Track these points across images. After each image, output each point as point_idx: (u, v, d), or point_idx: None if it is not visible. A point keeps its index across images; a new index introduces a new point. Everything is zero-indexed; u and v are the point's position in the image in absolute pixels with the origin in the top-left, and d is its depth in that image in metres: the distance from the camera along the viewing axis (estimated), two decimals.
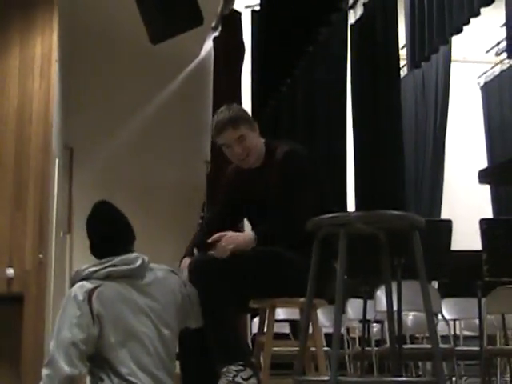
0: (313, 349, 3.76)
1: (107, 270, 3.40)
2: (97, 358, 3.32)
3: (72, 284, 3.40)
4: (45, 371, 3.24)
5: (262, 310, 3.88)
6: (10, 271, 7.29)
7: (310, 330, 3.66)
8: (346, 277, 2.56)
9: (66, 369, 3.21)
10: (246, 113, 3.93)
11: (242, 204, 4.00)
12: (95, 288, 3.34)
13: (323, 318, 4.06)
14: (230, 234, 3.66)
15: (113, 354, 3.29)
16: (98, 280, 3.37)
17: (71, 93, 9.42)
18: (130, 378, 3.26)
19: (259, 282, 3.60)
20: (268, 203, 3.76)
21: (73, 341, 3.26)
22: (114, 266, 3.41)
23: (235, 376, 3.41)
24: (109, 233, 3.57)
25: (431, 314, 2.70)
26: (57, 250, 8.13)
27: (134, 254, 3.50)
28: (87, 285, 3.36)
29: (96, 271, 3.40)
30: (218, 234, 3.65)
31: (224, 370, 3.44)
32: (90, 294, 3.33)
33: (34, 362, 7.20)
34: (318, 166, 3.88)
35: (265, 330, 3.86)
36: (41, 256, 7.36)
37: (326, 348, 4.80)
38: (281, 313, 4.37)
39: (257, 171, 3.86)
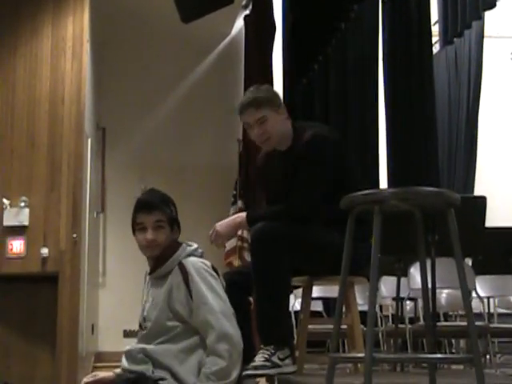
0: (343, 327, 3.75)
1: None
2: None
3: (183, 257, 3.41)
4: (224, 346, 3.22)
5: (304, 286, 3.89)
6: (45, 251, 7.37)
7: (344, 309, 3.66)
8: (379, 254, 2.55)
9: (241, 342, 3.27)
10: (275, 95, 3.85)
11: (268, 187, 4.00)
12: None
13: (358, 295, 4.04)
14: (217, 225, 3.76)
15: None
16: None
17: (103, 73, 9.45)
18: None
19: (313, 258, 3.61)
20: (288, 190, 3.72)
21: (232, 312, 3.35)
22: None
23: (272, 355, 3.41)
24: None
25: (467, 292, 2.68)
26: (90, 230, 8.19)
27: None
28: (207, 262, 3.44)
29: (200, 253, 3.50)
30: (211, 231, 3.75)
31: (263, 345, 3.46)
32: (215, 269, 3.43)
33: (69, 339, 7.28)
34: (345, 150, 3.83)
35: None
36: (75, 236, 7.42)
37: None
38: (314, 291, 4.37)
39: (283, 155, 3.82)
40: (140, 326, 3.44)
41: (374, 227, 2.55)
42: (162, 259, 3.39)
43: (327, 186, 3.61)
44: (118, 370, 3.43)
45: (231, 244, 8.67)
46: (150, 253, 3.42)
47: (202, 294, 3.29)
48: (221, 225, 3.74)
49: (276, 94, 3.86)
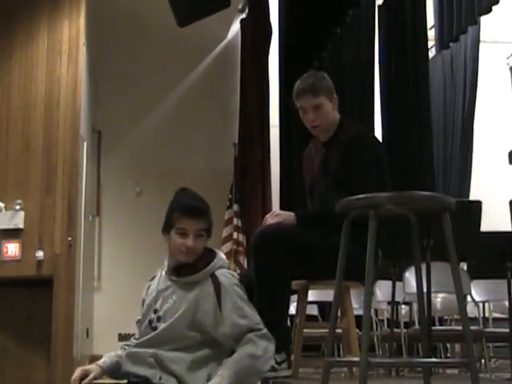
0: (339, 331, 3.75)
1: None
2: None
3: (217, 268, 3.37)
4: (263, 344, 3.20)
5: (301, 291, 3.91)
6: (40, 254, 7.35)
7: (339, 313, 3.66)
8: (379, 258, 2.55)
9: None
10: (330, 83, 3.95)
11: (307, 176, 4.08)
12: None
13: (353, 300, 4.05)
14: (276, 211, 3.83)
15: None
16: None
17: (99, 76, 9.44)
18: None
19: (315, 261, 3.62)
20: (324, 182, 3.82)
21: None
22: None
23: None
24: None
25: (462, 296, 2.69)
26: (85, 233, 8.18)
27: None
28: (235, 274, 3.46)
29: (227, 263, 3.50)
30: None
31: None
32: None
33: (64, 343, 7.27)
34: (383, 153, 3.90)
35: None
36: (70, 239, 7.41)
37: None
38: (310, 295, 4.38)
39: (322, 146, 3.93)
40: (149, 322, 3.36)
41: (369, 231, 2.55)
42: (195, 267, 3.33)
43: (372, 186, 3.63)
44: (101, 362, 3.39)
45: (227, 248, 8.68)
46: (184, 258, 3.34)
47: (238, 306, 3.26)
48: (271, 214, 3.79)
49: (332, 84, 3.96)
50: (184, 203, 3.37)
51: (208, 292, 3.28)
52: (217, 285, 3.28)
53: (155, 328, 3.32)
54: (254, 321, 3.25)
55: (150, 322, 3.36)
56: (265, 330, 3.22)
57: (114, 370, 3.38)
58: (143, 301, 3.50)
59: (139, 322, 3.48)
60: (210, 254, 3.39)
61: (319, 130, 3.89)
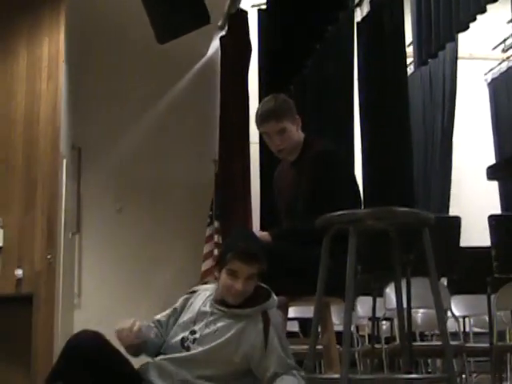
0: (319, 347, 3.74)
1: None
2: None
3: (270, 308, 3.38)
4: (302, 382, 3.20)
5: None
6: (19, 272, 7.30)
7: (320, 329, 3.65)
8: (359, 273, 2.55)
9: None
10: (291, 105, 3.99)
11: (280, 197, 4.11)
12: None
13: (334, 316, 4.04)
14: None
15: None
16: None
17: (79, 92, 9.41)
18: None
19: (290, 276, 3.62)
20: (296, 201, 3.84)
21: None
22: None
23: None
24: None
25: (441, 311, 2.69)
26: (65, 251, 8.13)
27: None
28: (280, 313, 3.54)
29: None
30: None
31: None
32: None
33: (44, 362, 7.20)
34: (350, 168, 3.95)
35: None
36: (49, 257, 7.36)
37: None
38: (290, 311, 4.37)
39: (290, 166, 3.97)
40: (182, 340, 3.32)
41: (349, 247, 2.56)
42: (248, 302, 3.32)
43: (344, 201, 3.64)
44: (145, 323, 3.38)
45: (208, 264, 8.65)
46: (231, 300, 3.31)
47: (284, 345, 3.30)
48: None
49: (293, 105, 4.00)
50: (239, 245, 3.32)
51: (257, 327, 3.27)
52: (267, 323, 3.28)
53: (187, 348, 3.28)
54: (293, 360, 3.28)
55: (183, 340, 3.32)
56: (302, 372, 3.22)
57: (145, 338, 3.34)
58: (175, 309, 3.47)
59: (157, 323, 3.45)
60: (264, 291, 3.38)
61: (285, 153, 3.94)
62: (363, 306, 6.53)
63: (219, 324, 3.30)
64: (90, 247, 9.38)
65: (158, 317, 3.51)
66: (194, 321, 3.35)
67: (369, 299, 5.78)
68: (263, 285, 3.40)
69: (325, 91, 8.98)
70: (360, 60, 9.05)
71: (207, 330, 3.30)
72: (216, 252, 8.75)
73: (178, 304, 3.50)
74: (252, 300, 3.32)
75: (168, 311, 3.51)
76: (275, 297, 3.42)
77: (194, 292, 3.53)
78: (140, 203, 9.54)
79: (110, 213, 9.54)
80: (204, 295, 3.47)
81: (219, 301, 3.37)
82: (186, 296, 3.53)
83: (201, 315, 3.35)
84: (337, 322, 5.98)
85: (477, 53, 11.11)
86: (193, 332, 3.31)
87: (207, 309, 3.36)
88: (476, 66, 11.23)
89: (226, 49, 9.56)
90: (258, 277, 3.33)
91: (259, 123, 3.93)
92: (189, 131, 9.81)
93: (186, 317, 3.40)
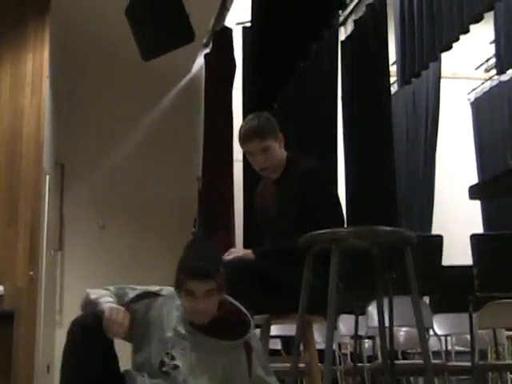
0: (302, 365, 3.74)
1: None
2: None
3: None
4: None
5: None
6: (1, 288, 7.27)
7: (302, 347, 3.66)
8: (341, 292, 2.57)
9: None
10: (274, 123, 4.01)
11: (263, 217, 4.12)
12: None
13: (316, 334, 4.05)
14: (232, 250, 3.85)
15: None
16: None
17: (63, 108, 9.42)
18: None
19: (272, 294, 3.63)
20: (280, 219, 3.86)
21: None
22: None
23: None
24: None
25: (423, 330, 2.71)
26: (48, 268, 8.11)
27: None
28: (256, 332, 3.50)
29: None
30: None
31: None
32: None
33: (25, 379, 7.17)
34: (333, 186, 3.98)
35: None
36: (31, 273, 7.34)
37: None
38: (273, 329, 4.37)
39: (273, 184, 3.99)
40: (161, 364, 3.16)
41: (331, 265, 2.57)
42: (229, 331, 3.23)
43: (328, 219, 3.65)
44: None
45: None
46: (198, 321, 3.18)
47: (266, 366, 3.27)
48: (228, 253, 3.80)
49: (276, 124, 4.02)
50: (190, 264, 3.19)
51: (240, 357, 3.21)
52: (249, 351, 3.22)
53: (167, 373, 3.15)
54: (274, 377, 3.27)
55: (163, 363, 3.17)
56: None
57: None
58: (134, 311, 3.26)
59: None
60: (242, 317, 3.29)
61: (269, 171, 3.97)
62: (345, 324, 6.53)
63: (200, 353, 3.19)
64: (72, 264, 9.36)
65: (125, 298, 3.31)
66: (172, 343, 3.20)
67: (351, 317, 5.77)
68: (242, 308, 3.31)
69: (309, 109, 9.02)
70: (343, 78, 9.11)
71: (188, 359, 3.18)
72: None
73: (137, 306, 3.28)
74: (233, 327, 3.24)
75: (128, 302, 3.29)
76: (250, 318, 3.34)
77: (157, 295, 3.34)
78: (123, 220, 9.54)
79: (93, 229, 9.53)
80: (174, 305, 3.29)
81: (197, 326, 3.22)
82: (146, 301, 3.31)
83: (177, 338, 3.21)
84: (319, 339, 5.98)
85: (460, 72, 11.20)
86: (172, 357, 3.18)
87: (183, 331, 3.22)
88: (459, 86, 11.31)
89: (211, 66, 9.59)
90: (223, 290, 3.22)
91: (242, 142, 3.96)
92: (172, 148, 9.83)
93: (161, 331, 3.23)
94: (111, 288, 3.37)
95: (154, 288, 3.40)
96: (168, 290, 3.36)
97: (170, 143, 9.84)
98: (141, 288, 3.39)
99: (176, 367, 3.16)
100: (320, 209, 3.71)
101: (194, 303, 3.13)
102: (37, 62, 7.83)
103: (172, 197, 9.70)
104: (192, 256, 3.25)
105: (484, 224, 10.61)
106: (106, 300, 3.23)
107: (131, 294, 3.33)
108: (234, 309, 3.30)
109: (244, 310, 3.32)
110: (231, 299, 3.31)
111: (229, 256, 3.73)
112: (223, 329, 3.22)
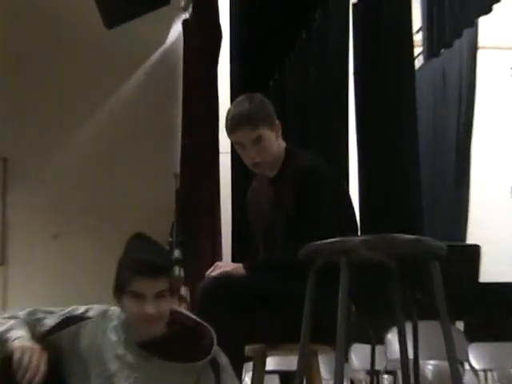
0: None
1: None
2: None
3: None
4: None
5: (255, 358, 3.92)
6: None
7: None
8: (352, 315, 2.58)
9: None
10: (269, 107, 3.99)
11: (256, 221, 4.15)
12: None
13: (322, 368, 4.07)
14: (219, 264, 3.85)
15: None
16: None
17: (6, 94, 9.41)
18: None
19: (267, 318, 3.65)
20: (276, 226, 3.89)
21: None
22: None
23: None
24: None
25: (456, 363, 2.72)
26: None
27: None
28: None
29: None
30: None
31: None
32: None
33: None
34: (342, 186, 3.96)
35: None
36: None
37: None
38: (269, 362, 4.38)
39: (269, 183, 4.00)
40: None
41: (340, 282, 2.58)
42: (189, 351, 3.21)
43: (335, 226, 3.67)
44: None
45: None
46: (146, 331, 3.13)
47: (235, 381, 3.32)
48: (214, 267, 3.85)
49: (272, 108, 4.01)
50: (137, 258, 3.20)
51: (208, 379, 3.22)
52: (216, 369, 3.24)
53: None
54: None
55: None
56: None
57: None
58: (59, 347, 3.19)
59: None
60: (202, 330, 3.29)
61: (262, 167, 3.95)
62: (359, 355, 6.56)
63: (161, 379, 3.16)
64: (17, 280, 9.35)
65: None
66: (117, 378, 3.14)
67: (366, 347, 5.80)
68: (200, 320, 3.32)
69: (312, 90, 9.01)
70: (356, 51, 9.10)
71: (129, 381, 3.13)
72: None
73: (61, 338, 3.20)
74: (194, 344, 3.24)
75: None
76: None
77: (84, 319, 3.28)
78: (82, 228, 9.52)
79: (44, 240, 9.52)
80: (109, 326, 3.25)
81: (147, 345, 3.16)
82: (73, 329, 3.23)
83: (124, 368, 3.15)
84: (326, 375, 6.00)
85: (502, 41, 11.18)
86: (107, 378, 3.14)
87: (131, 358, 3.16)
88: (501, 58, 11.27)
89: (190, 36, 9.58)
90: (175, 294, 3.26)
91: (230, 130, 3.93)
92: (143, 139, 9.83)
93: (100, 365, 3.17)
94: (20, 314, 3.28)
95: (79, 309, 3.34)
96: (97, 309, 3.33)
97: (140, 134, 9.83)
98: (60, 312, 3.31)
99: None
100: (323, 214, 3.71)
101: (143, 307, 3.08)
102: None
103: (143, 198, 9.70)
104: (139, 251, 3.26)
105: None
106: (16, 335, 3.11)
107: (49, 322, 3.25)
108: (191, 322, 3.30)
109: (203, 322, 3.31)
110: (186, 312, 3.35)
111: (214, 271, 3.75)
112: (182, 348, 3.21)
